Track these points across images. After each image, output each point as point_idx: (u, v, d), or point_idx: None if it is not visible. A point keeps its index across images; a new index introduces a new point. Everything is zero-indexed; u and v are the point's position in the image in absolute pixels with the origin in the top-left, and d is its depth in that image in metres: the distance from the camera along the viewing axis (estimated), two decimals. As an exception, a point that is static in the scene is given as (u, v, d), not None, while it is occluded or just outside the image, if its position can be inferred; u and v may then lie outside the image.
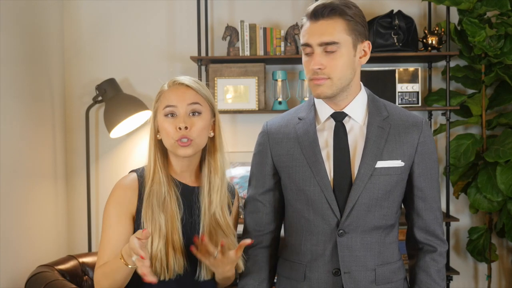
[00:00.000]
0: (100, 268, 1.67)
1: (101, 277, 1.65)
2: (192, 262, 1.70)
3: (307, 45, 1.65)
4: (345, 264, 1.66)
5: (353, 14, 1.63)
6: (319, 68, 1.63)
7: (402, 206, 1.81)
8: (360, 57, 1.68)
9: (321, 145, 1.69)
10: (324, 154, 1.68)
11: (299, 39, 3.15)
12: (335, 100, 1.70)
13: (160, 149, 1.75)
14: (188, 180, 1.78)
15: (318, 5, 1.64)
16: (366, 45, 1.68)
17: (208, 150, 1.78)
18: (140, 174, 1.75)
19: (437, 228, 1.75)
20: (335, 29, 1.62)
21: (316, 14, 1.63)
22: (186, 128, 1.67)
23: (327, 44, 1.62)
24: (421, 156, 1.70)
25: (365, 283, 1.67)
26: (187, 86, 1.73)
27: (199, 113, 1.72)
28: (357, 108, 1.71)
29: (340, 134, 1.69)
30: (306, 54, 1.67)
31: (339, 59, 1.63)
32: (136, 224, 1.70)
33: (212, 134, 1.77)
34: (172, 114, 1.70)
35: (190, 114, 1.71)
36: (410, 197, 1.75)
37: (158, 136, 1.74)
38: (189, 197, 1.74)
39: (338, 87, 1.65)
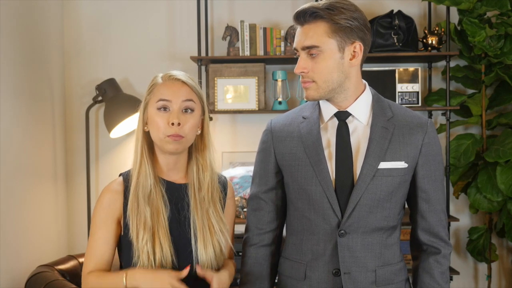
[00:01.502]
0: (93, 277, 1.67)
1: (95, 286, 1.66)
2: (183, 258, 1.69)
3: (295, 49, 1.69)
4: (345, 265, 1.66)
5: (337, 17, 1.62)
6: (303, 72, 1.66)
7: (406, 206, 1.80)
8: (350, 59, 1.66)
9: (324, 144, 1.69)
10: (326, 153, 1.68)
11: (299, 39, 3.18)
12: (334, 101, 1.70)
13: (147, 142, 1.74)
14: (176, 178, 1.77)
15: (300, 10, 1.66)
16: (358, 47, 1.66)
17: (196, 148, 1.78)
18: (126, 176, 1.75)
19: (441, 230, 1.74)
20: (316, 33, 1.63)
21: (299, 19, 1.66)
22: (178, 124, 1.67)
23: (308, 48, 1.64)
24: (425, 157, 1.69)
25: (365, 284, 1.66)
26: (183, 82, 1.72)
27: (192, 110, 1.72)
28: (360, 108, 1.70)
29: (343, 133, 1.69)
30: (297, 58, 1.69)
31: (321, 63, 1.63)
32: (124, 224, 1.70)
33: (199, 131, 1.76)
34: (165, 108, 1.69)
35: (183, 111, 1.70)
36: (414, 199, 1.74)
37: (145, 128, 1.73)
38: (175, 194, 1.73)
39: (325, 90, 1.66)
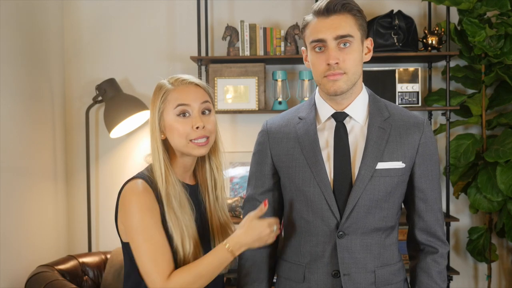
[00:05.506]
0: (178, 276, 1.60)
1: (195, 279, 1.61)
2: None
3: (320, 40, 1.62)
4: (345, 266, 1.65)
5: (359, 10, 1.65)
6: (336, 63, 1.61)
7: (403, 206, 1.81)
8: (365, 54, 1.69)
9: (322, 145, 1.68)
10: (324, 154, 1.67)
11: (299, 39, 3.17)
12: (335, 100, 1.69)
13: (165, 150, 1.73)
14: (188, 179, 1.78)
15: (331, 0, 1.63)
16: (369, 42, 1.70)
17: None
18: (146, 178, 1.69)
19: (438, 229, 1.74)
20: (348, 23, 1.62)
21: (329, 9, 1.62)
22: (203, 127, 1.69)
23: (343, 37, 1.61)
24: (422, 157, 1.69)
25: (364, 285, 1.66)
26: (196, 85, 1.73)
27: (209, 111, 1.73)
28: (358, 108, 1.70)
29: (341, 134, 1.68)
30: (317, 52, 1.64)
31: (353, 53, 1.63)
32: (163, 228, 1.66)
33: None
34: (185, 114, 1.69)
35: (202, 113, 1.71)
36: (411, 198, 1.74)
37: (162, 136, 1.72)
38: (192, 196, 1.74)
39: (352, 82, 1.65)
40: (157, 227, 1.63)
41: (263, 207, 1.67)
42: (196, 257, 1.67)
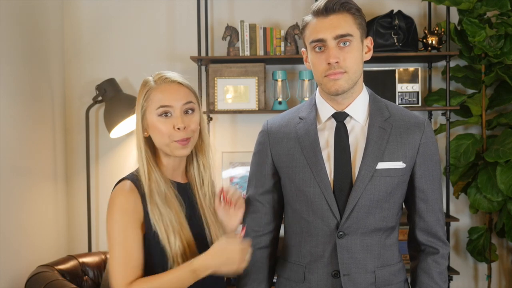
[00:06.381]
0: (146, 283, 1.59)
1: None
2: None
3: (320, 40, 1.63)
4: (345, 266, 1.65)
5: (357, 9, 1.66)
6: (337, 62, 1.61)
7: (404, 206, 1.80)
8: (366, 52, 1.70)
9: (322, 145, 1.68)
10: (324, 154, 1.67)
11: (299, 39, 3.17)
12: (336, 100, 1.69)
13: (150, 148, 1.72)
14: (179, 178, 1.77)
15: (329, 0, 1.64)
16: (369, 41, 1.70)
17: (196, 146, 1.77)
18: (134, 178, 1.70)
19: (439, 229, 1.74)
20: (347, 23, 1.62)
21: (328, 9, 1.62)
22: (184, 128, 1.67)
23: (343, 36, 1.61)
24: (423, 157, 1.69)
25: (364, 285, 1.66)
26: (179, 83, 1.71)
27: (193, 110, 1.71)
28: (358, 108, 1.70)
29: (341, 134, 1.68)
30: (317, 52, 1.64)
31: (353, 52, 1.63)
32: (146, 227, 1.66)
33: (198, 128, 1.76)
34: (166, 114, 1.67)
35: (184, 112, 1.69)
36: (412, 199, 1.74)
37: (145, 134, 1.71)
38: (183, 193, 1.74)
39: (353, 81, 1.65)
40: (133, 231, 1.63)
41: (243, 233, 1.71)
42: (185, 252, 1.65)
